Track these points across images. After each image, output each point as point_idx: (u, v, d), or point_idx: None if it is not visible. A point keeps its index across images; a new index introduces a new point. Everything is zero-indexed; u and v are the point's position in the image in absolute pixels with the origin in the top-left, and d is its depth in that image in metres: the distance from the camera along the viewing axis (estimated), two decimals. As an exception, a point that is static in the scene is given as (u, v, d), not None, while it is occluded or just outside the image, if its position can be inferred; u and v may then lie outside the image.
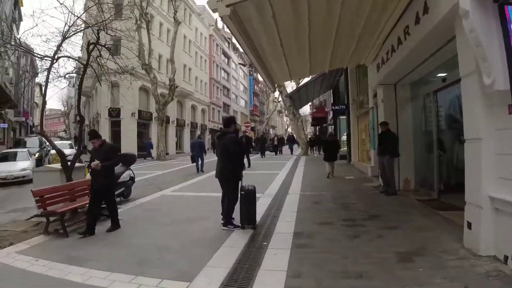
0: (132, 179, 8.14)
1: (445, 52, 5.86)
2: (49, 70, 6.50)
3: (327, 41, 6.72)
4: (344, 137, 22.15)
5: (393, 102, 8.72)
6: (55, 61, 6.50)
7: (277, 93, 65.08)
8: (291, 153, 25.86)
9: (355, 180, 10.60)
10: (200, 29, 40.58)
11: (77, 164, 7.19)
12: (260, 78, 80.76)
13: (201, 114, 42.00)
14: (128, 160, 8.22)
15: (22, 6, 28.51)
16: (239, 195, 5.25)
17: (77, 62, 6.98)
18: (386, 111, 8.72)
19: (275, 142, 27.65)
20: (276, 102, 67.98)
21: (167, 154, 25.28)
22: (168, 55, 26.52)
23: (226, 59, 54.33)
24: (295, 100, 21.54)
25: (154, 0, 22.68)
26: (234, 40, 59.55)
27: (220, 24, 52.52)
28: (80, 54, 14.24)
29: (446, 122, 7.49)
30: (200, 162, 14.01)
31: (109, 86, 8.41)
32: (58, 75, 7.11)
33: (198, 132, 39.35)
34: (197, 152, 14.11)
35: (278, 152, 26.22)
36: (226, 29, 56.05)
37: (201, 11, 41.79)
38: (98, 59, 7.20)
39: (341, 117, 21.79)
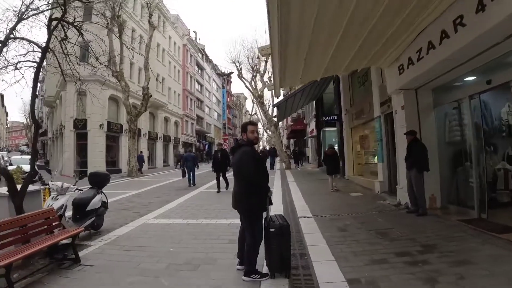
0: (104, 204, 6.30)
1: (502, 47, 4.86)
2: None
3: (360, 33, 5.52)
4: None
5: (415, 109, 7.67)
6: (5, 45, 4.76)
7: (249, 106, 64.22)
8: (272, 168, 24.19)
9: (364, 197, 9.33)
10: (173, 38, 38.86)
11: (31, 187, 5.39)
12: (234, 91, 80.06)
13: (174, 126, 39.89)
14: (99, 181, 6.40)
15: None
16: (263, 231, 3.74)
17: (34, 46, 5.11)
18: (408, 119, 7.61)
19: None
20: (249, 115, 67.07)
21: (138, 169, 23.13)
22: (140, 64, 24.68)
23: (200, 70, 52.71)
24: (281, 111, 20.34)
25: (127, 4, 20.82)
26: (207, 51, 58.53)
27: (192, 35, 51.31)
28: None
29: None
30: (192, 175, 14.19)
31: (76, 87, 6.52)
32: (7, 63, 5.24)
33: (171, 145, 37.62)
34: (190, 165, 14.29)
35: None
36: (199, 40, 54.89)
37: (174, 19, 40.18)
38: (62, 43, 5.42)
39: (326, 129, 20.88)
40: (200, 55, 52.88)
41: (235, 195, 3.84)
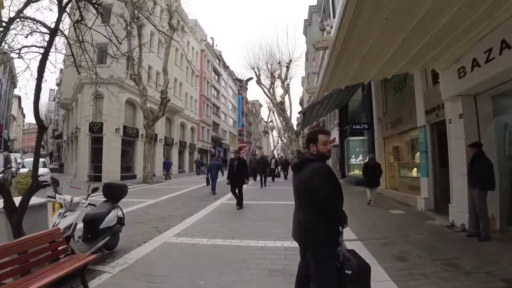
0: (120, 221, 5.46)
1: None
2: (1, 40, 4.02)
3: (426, 31, 4.69)
4: (352, 160, 20.18)
5: (474, 118, 6.68)
6: (9, 29, 4.04)
7: (265, 114, 63.30)
8: (286, 178, 23.08)
9: (408, 216, 8.31)
10: (192, 43, 38.50)
11: (35, 200, 4.62)
12: (250, 98, 79.46)
13: (190, 132, 39.34)
14: (115, 194, 5.56)
15: (3, 8, 25.28)
16: (335, 273, 2.79)
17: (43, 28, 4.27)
18: (467, 130, 6.63)
19: (273, 166, 23.90)
20: (265, 122, 66.31)
21: (153, 175, 22.44)
22: (158, 68, 24.17)
23: (217, 76, 52.29)
24: (306, 118, 19.41)
25: (145, 7, 20.35)
26: (225, 57, 58.19)
27: (210, 40, 50.99)
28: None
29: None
30: (214, 184, 14.21)
31: (92, 84, 5.72)
32: (10, 49, 4.43)
33: (187, 152, 37.11)
34: (213, 173, 14.43)
35: (275, 178, 23.00)
36: (216, 47, 54.55)
37: (193, 25, 39.89)
38: (77, 26, 4.61)
39: (350, 138, 19.81)
40: (217, 61, 52.50)
41: (297, 223, 2.92)
